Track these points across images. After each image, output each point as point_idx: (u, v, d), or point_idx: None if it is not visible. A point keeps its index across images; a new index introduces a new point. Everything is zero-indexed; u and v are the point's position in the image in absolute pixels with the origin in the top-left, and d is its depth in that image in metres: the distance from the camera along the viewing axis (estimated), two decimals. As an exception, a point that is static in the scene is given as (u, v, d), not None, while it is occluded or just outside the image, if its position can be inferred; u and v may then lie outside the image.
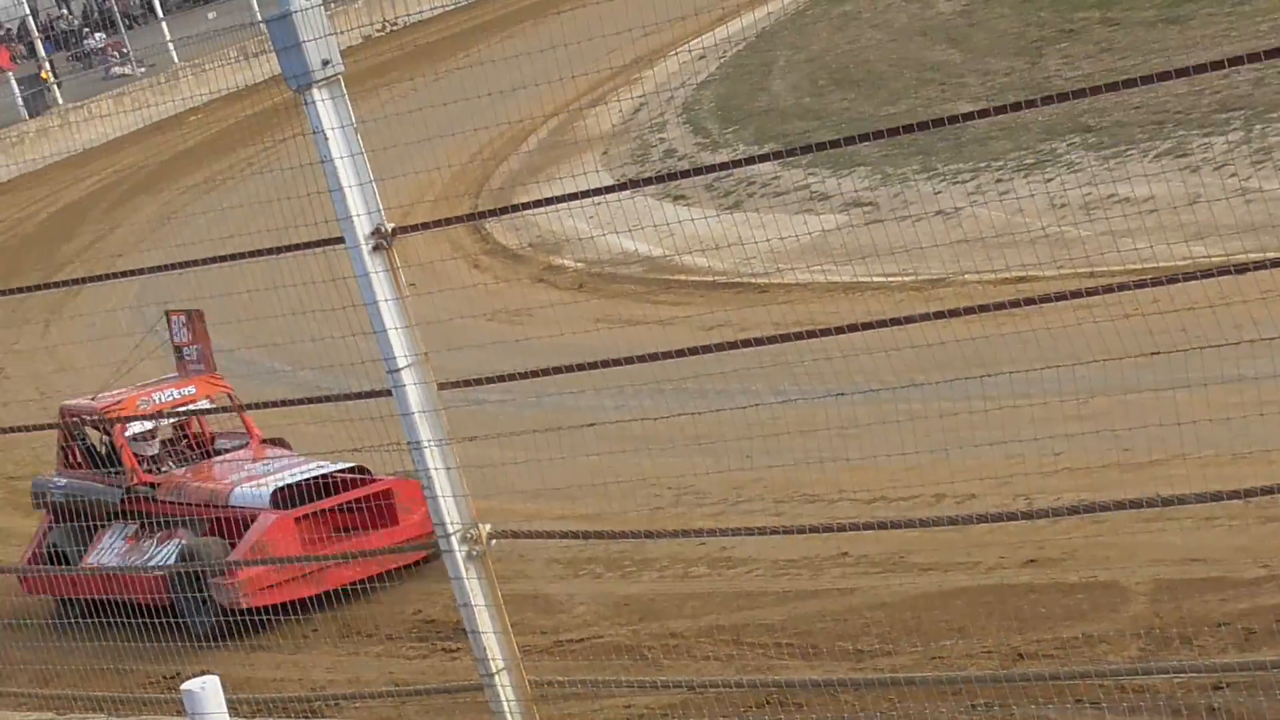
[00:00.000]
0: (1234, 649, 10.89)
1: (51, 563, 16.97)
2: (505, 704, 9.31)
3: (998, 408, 11.90)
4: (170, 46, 48.61)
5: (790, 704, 11.03)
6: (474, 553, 9.28)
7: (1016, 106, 8.56)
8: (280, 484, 15.83)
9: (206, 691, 8.43)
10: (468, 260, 25.93)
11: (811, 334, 9.19)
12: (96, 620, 14.50)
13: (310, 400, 15.43)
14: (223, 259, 10.81)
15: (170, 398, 17.05)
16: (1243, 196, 18.73)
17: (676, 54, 36.33)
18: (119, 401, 16.90)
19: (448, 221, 14.02)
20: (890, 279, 19.75)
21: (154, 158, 42.21)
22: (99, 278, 26.19)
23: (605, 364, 13.57)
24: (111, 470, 16.82)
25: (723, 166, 12.91)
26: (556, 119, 33.23)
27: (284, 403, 15.85)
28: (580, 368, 13.32)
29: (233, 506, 15.86)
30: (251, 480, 16.15)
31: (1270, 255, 12.94)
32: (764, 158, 9.97)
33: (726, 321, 19.52)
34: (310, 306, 14.87)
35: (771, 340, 11.94)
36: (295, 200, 10.26)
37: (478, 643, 9.30)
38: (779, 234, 21.91)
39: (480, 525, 9.30)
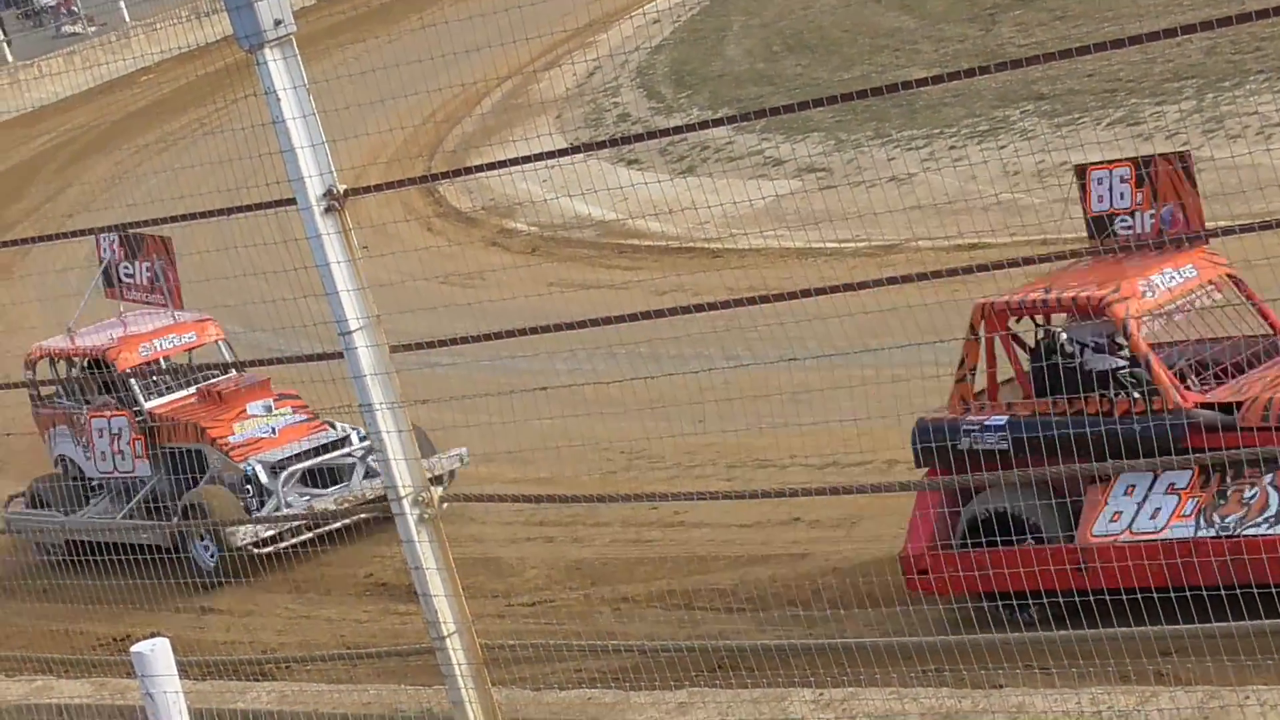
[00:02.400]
0: (1182, 616, 10.94)
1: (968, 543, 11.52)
2: (456, 667, 9.30)
3: (949, 374, 11.93)
4: (122, 5, 48.33)
5: (742, 668, 11.05)
6: (425, 516, 9.26)
7: (970, 73, 8.57)
8: None
9: (156, 653, 8.41)
10: (421, 223, 25.86)
11: (765, 299, 9.20)
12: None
13: (262, 362, 15.44)
14: (175, 219, 10.77)
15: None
16: (1196, 164, 18.76)
17: (631, 18, 36.27)
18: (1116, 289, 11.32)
19: (400, 184, 14.02)
20: (843, 245, 19.78)
21: (105, 117, 41.97)
22: (49, 238, 25.97)
23: (558, 327, 13.54)
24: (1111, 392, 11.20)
25: (677, 130, 12.86)
26: (510, 82, 33.13)
27: (236, 364, 15.82)
28: (533, 331, 13.30)
29: None
30: None
31: (1221, 224, 12.99)
32: (718, 122, 9.98)
33: (680, 286, 19.54)
34: (262, 268, 14.83)
35: (725, 305, 11.94)
36: (247, 161, 10.21)
37: (429, 606, 9.29)
38: (733, 199, 21.92)
39: (432, 488, 9.28)
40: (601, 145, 11.92)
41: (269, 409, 16.32)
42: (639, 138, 11.85)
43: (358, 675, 12.31)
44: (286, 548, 15.13)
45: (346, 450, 15.99)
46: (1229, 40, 22.45)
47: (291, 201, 9.32)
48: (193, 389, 16.78)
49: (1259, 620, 10.31)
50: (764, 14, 34.08)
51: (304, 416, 16.32)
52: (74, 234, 17.74)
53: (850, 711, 9.47)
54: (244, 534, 15.14)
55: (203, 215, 10.68)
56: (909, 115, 24.20)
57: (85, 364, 17.18)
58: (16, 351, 23.10)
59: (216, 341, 17.03)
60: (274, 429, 16.23)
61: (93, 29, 49.80)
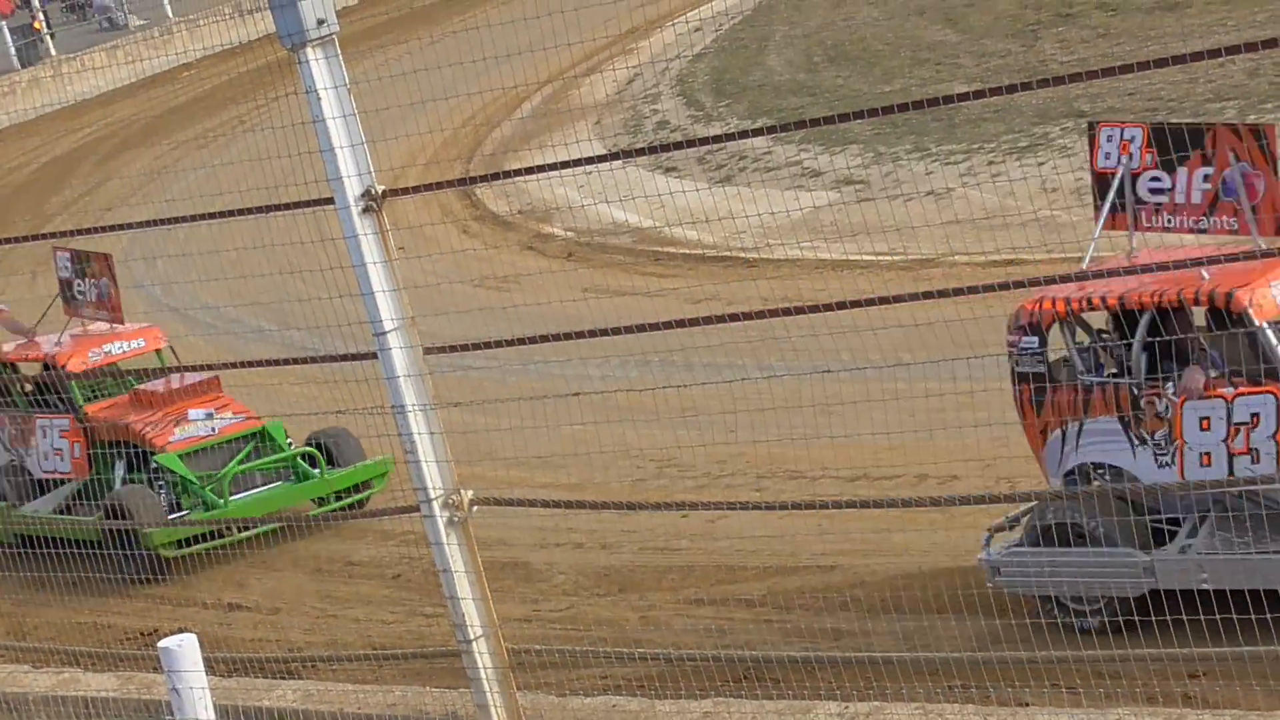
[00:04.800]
0: (1211, 637, 10.90)
1: None
2: (482, 671, 9.30)
3: (983, 389, 11.88)
4: (165, 1, 48.50)
5: (768, 679, 11.03)
6: (455, 519, 9.27)
7: (1011, 89, 8.56)
8: None
9: (184, 649, 8.42)
10: (457, 225, 25.88)
11: (799, 310, 9.19)
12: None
13: (295, 360, 15.44)
14: (212, 216, 10.80)
15: None
16: (1235, 186, 18.70)
17: (673, 25, 36.27)
18: None
19: (438, 185, 13.98)
20: (880, 258, 19.75)
21: (146, 112, 42.13)
22: (87, 231, 26.05)
23: (592, 334, 13.54)
24: None
25: (716, 140, 12.83)
26: (550, 86, 33.16)
27: (269, 362, 15.84)
28: (567, 336, 13.30)
29: None
30: None
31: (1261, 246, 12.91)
32: (757, 132, 9.99)
33: (715, 295, 19.51)
34: (298, 266, 14.82)
35: (759, 315, 11.93)
36: (286, 159, 10.23)
37: (456, 609, 9.29)
38: (770, 209, 21.90)
39: (462, 491, 9.28)
40: (640, 152, 11.88)
41: None
42: (678, 145, 11.80)
43: (383, 676, 12.32)
44: None
45: None
46: (1272, 62, 22.37)
47: (329, 201, 9.33)
48: None
49: (1289, 645, 10.27)
50: (806, 25, 34.06)
51: None
52: (113, 228, 17.76)
53: (875, 726, 9.46)
54: None
55: (241, 213, 10.70)
56: (948, 130, 24.15)
57: None
58: (51, 343, 23.15)
59: None
60: None
61: (138, 24, 49.98)
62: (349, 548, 15.82)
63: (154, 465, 16.30)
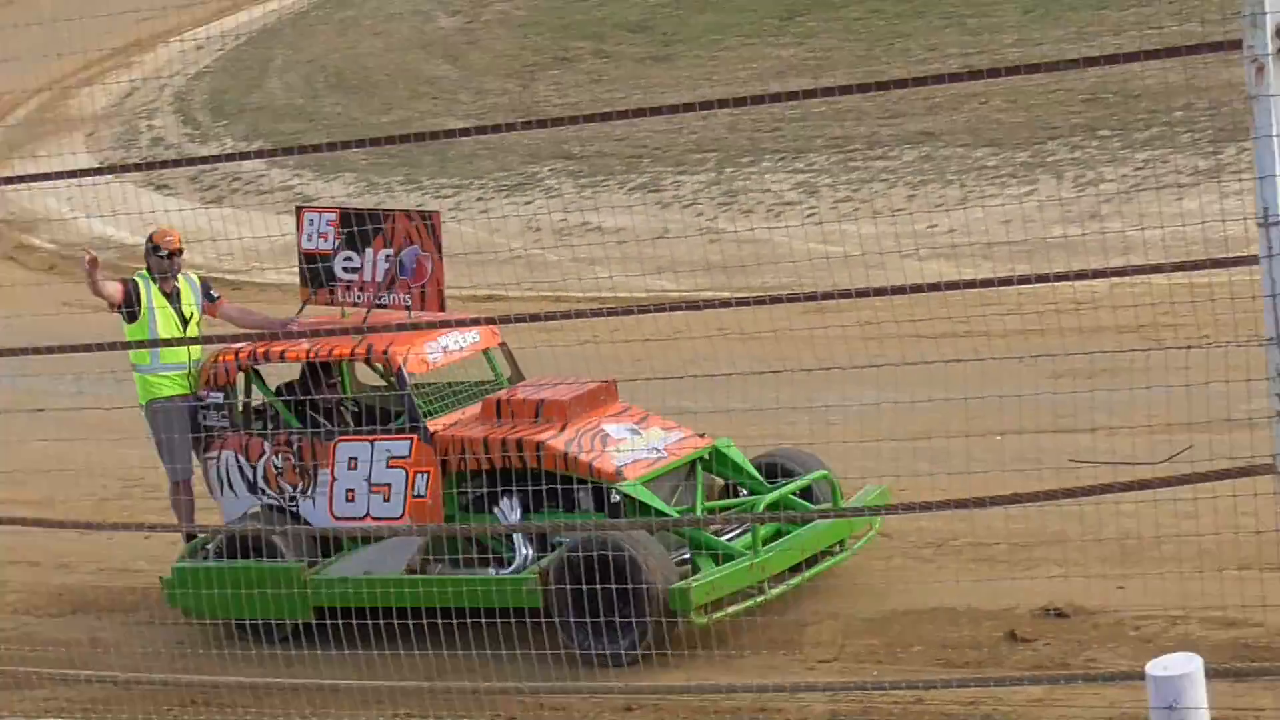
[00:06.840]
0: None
1: None
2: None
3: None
4: None
5: (223, 704, 11.00)
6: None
7: (511, 127, 8.79)
8: None
9: None
10: (-68, 233, 25.17)
11: (274, 336, 9.26)
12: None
13: None
14: None
15: None
16: (708, 235, 19.41)
17: (179, 40, 35.83)
18: None
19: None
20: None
21: None
22: None
23: (66, 349, 13.37)
24: None
25: (210, 159, 12.83)
26: (45, 94, 32.43)
27: None
28: (35, 351, 13.10)
29: None
30: None
31: (726, 294, 13.45)
32: (257, 154, 9.98)
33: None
34: None
35: (235, 340, 11.92)
36: None
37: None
38: (264, 232, 21.83)
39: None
40: (136, 168, 11.64)
41: None
42: (175, 163, 11.71)
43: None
44: None
45: None
46: (750, 119, 23.27)
47: None
48: None
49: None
50: (309, 50, 34.03)
51: None
52: None
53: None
54: None
55: None
56: (441, 163, 24.46)
57: None
58: None
59: None
60: None
61: None
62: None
63: (614, 500, 11.62)
